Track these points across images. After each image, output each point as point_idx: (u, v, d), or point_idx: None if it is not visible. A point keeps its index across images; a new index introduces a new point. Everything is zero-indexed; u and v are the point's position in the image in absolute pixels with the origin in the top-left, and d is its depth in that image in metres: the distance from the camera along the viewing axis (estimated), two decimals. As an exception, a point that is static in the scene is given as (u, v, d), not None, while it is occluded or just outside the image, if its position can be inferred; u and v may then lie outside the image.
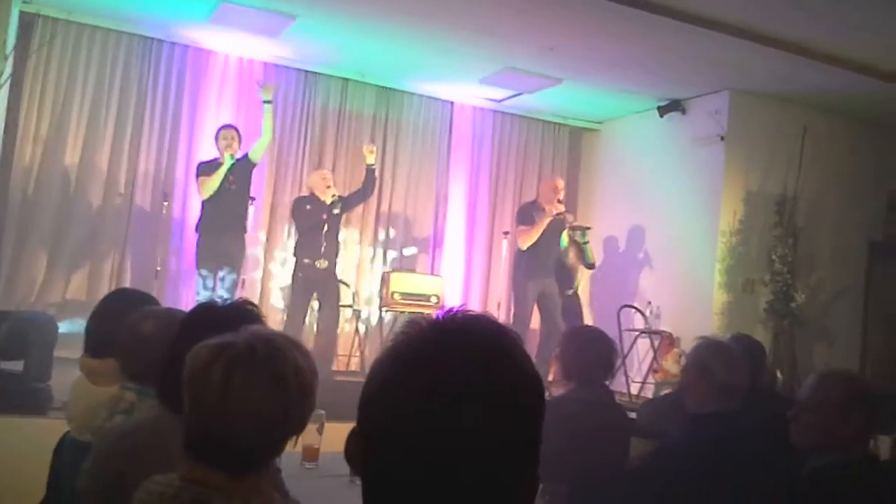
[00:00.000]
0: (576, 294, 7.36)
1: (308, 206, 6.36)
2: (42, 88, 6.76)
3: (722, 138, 7.26)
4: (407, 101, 8.19)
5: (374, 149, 6.79)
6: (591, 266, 7.38)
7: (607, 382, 3.10)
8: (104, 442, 1.71)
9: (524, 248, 6.52)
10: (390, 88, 8.06)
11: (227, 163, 6.10)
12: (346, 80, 7.89)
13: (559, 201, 6.59)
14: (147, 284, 6.90)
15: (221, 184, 6.09)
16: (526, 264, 6.54)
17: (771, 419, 2.66)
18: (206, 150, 6.77)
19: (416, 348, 0.83)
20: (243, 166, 6.27)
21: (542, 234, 6.55)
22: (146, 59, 7.13)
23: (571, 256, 7.14)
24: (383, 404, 0.83)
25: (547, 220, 6.51)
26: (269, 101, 6.37)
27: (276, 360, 1.31)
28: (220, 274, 6.13)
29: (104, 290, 6.82)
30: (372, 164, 6.61)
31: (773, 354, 7.14)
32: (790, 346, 7.20)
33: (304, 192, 6.84)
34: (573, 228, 7.21)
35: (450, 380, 0.80)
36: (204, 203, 6.24)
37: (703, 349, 2.70)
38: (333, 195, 6.34)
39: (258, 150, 6.39)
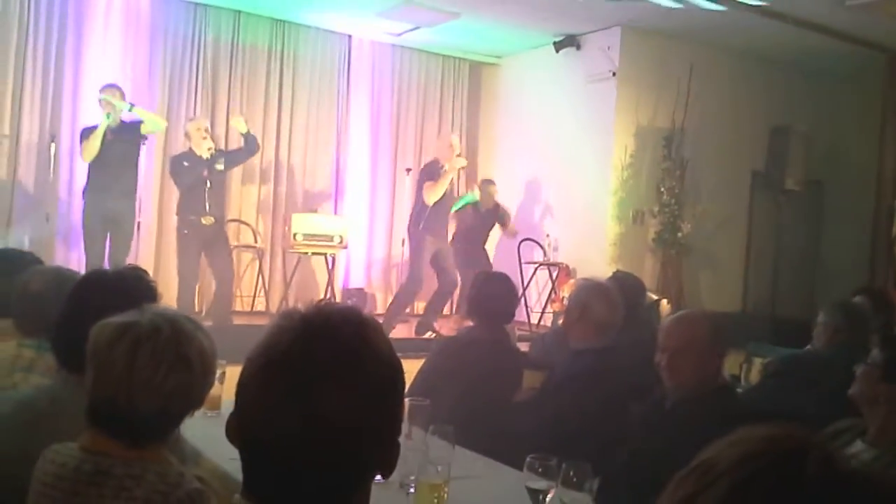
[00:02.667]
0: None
1: (186, 163, 6.14)
2: None
3: (613, 74, 7.47)
4: (303, 34, 8.04)
5: (242, 118, 6.50)
6: (509, 234, 7.57)
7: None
8: (5, 408, 1.74)
9: (430, 203, 6.59)
10: (285, 21, 7.89)
11: (105, 123, 5.78)
12: (238, 11, 7.67)
13: (458, 156, 6.66)
14: (37, 230, 6.73)
15: (104, 145, 5.80)
16: (427, 219, 6.59)
17: (647, 351, 2.89)
18: (92, 90, 6.52)
19: (284, 349, 0.94)
20: (131, 127, 5.98)
21: (446, 192, 6.63)
22: (25, -6, 6.75)
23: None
24: (254, 396, 0.95)
25: (449, 176, 6.58)
26: (132, 106, 5.98)
27: (182, 341, 1.39)
28: (108, 247, 5.89)
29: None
30: (246, 131, 6.35)
31: (661, 282, 7.56)
32: (677, 274, 7.61)
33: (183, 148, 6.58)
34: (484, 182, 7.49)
35: (314, 375, 0.92)
36: (90, 165, 5.95)
37: (583, 290, 2.89)
38: (210, 148, 6.11)
39: (150, 127, 6.12)
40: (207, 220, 6.09)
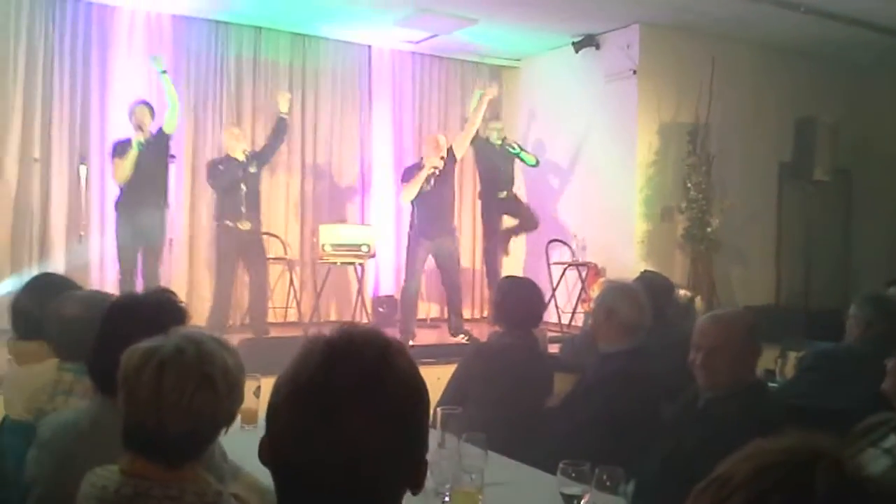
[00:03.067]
0: (511, 196, 7.48)
1: (221, 167, 6.28)
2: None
3: (634, 72, 7.44)
4: (323, 48, 8.10)
5: (289, 97, 6.71)
6: (535, 164, 7.59)
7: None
8: (47, 431, 1.79)
9: (406, 202, 6.65)
10: (305, 35, 7.96)
11: (136, 148, 5.93)
12: (259, 28, 7.76)
13: (441, 158, 6.57)
14: (72, 250, 6.86)
15: (135, 167, 5.94)
16: (417, 222, 6.60)
17: (677, 350, 2.88)
18: (119, 110, 6.64)
19: (309, 375, 0.97)
20: (159, 140, 6.13)
21: (429, 191, 6.51)
22: (51, 18, 6.88)
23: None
24: (283, 421, 0.98)
25: (425, 173, 6.51)
26: (164, 71, 6.22)
27: (205, 361, 1.42)
28: (141, 262, 6.04)
29: (28, 257, 6.74)
30: (284, 113, 6.53)
31: (692, 279, 7.51)
32: (708, 270, 7.55)
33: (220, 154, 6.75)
34: (504, 142, 7.39)
35: (337, 401, 0.95)
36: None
37: (609, 292, 2.89)
38: (244, 150, 6.27)
39: (170, 121, 6.23)
40: (244, 226, 6.22)
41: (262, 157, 6.55)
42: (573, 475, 1.81)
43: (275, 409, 0.99)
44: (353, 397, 0.95)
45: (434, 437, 2.21)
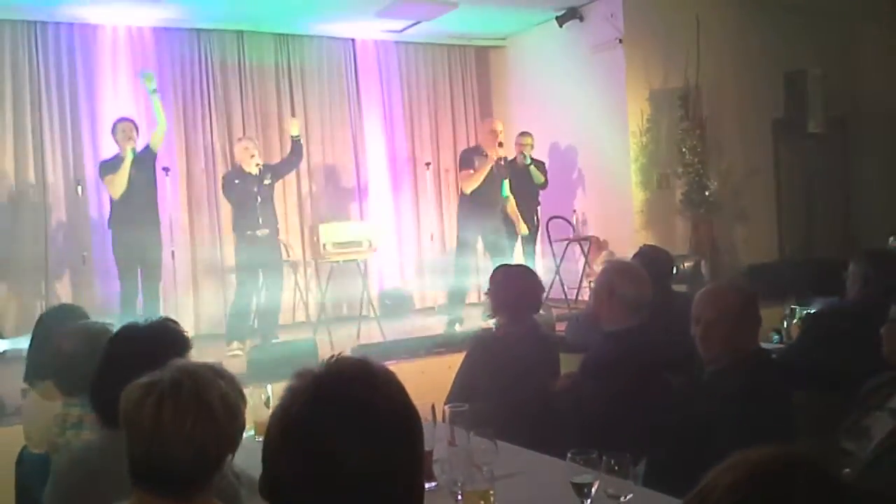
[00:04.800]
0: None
1: (237, 181, 6.33)
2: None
3: (620, 41, 7.41)
4: (307, 45, 8.10)
5: (299, 123, 6.81)
6: (542, 184, 7.30)
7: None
8: (61, 465, 1.83)
9: (468, 192, 6.52)
10: (288, 34, 7.95)
11: (129, 157, 5.94)
12: (241, 31, 7.75)
13: (500, 144, 6.51)
14: (76, 272, 6.90)
15: (129, 178, 5.97)
16: (469, 210, 6.53)
17: (683, 321, 2.89)
18: (109, 127, 6.65)
19: (297, 412, 0.99)
20: (145, 158, 6.13)
21: (485, 181, 6.46)
22: (34, 43, 6.92)
23: (511, 206, 7.01)
24: (277, 460, 1.00)
25: (489, 166, 6.45)
26: (154, 90, 6.21)
27: (201, 391, 1.45)
28: (140, 278, 6.08)
29: (33, 285, 6.77)
30: (297, 135, 6.59)
31: (694, 243, 7.51)
32: (709, 233, 7.55)
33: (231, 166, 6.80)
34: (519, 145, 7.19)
35: (327, 438, 0.97)
36: (112, 200, 6.11)
37: (608, 272, 2.90)
38: (258, 164, 6.32)
39: (157, 139, 6.25)
40: (262, 233, 6.29)
41: (277, 172, 6.59)
42: (581, 463, 1.82)
43: (269, 446, 1.01)
44: (344, 431, 0.97)
45: (444, 434, 2.23)
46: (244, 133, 7.55)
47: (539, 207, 7.35)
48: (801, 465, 0.72)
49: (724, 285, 2.55)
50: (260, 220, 6.27)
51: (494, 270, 3.36)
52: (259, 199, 6.28)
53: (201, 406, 1.43)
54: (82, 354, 2.05)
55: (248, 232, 6.29)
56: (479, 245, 6.86)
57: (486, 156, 6.49)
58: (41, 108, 6.93)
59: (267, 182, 6.38)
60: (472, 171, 6.49)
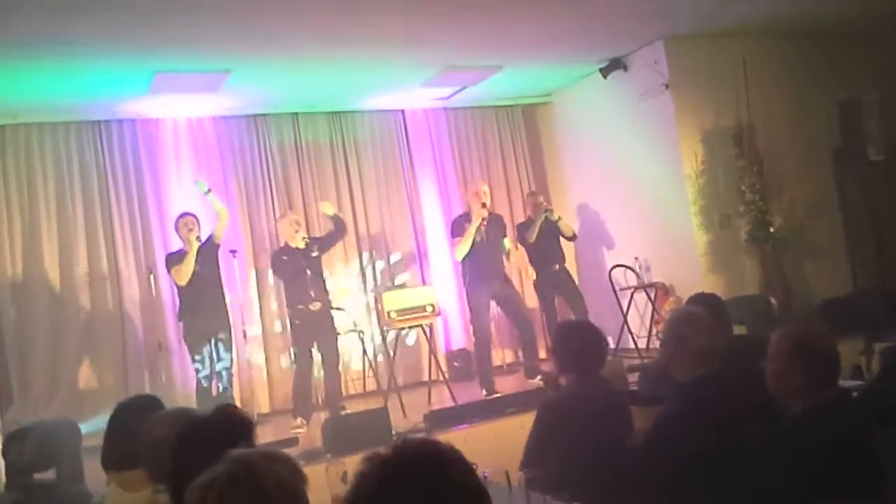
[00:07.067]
0: (563, 268, 7.49)
1: (284, 257, 6.47)
2: (6, 197, 6.88)
3: (666, 86, 7.42)
4: (359, 120, 8.33)
5: (331, 202, 7.03)
6: (572, 238, 7.52)
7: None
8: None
9: (459, 258, 6.70)
10: (340, 112, 8.20)
11: (195, 246, 6.18)
12: (295, 114, 8.03)
13: (483, 205, 6.60)
14: (153, 359, 7.08)
15: (195, 267, 6.18)
16: (470, 274, 6.67)
17: (750, 369, 2.83)
18: (175, 215, 6.91)
19: (368, 497, 1.02)
20: (209, 249, 6.35)
21: (480, 241, 6.60)
22: (99, 142, 7.25)
23: (516, 258, 7.19)
24: None
25: (474, 227, 6.57)
26: (208, 191, 6.45)
27: (258, 480, 1.48)
28: (214, 352, 6.25)
29: (112, 374, 6.97)
30: (333, 214, 6.77)
31: (764, 281, 7.34)
32: (778, 270, 7.37)
33: (279, 242, 6.94)
34: (538, 206, 7.39)
35: None
36: (180, 290, 6.33)
37: (676, 321, 2.86)
38: (304, 238, 6.45)
39: (219, 231, 6.49)
40: (315, 306, 6.38)
41: (323, 245, 6.72)
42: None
43: None
44: None
45: (520, 499, 2.22)
46: (304, 208, 7.76)
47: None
48: None
49: (790, 325, 2.49)
50: (312, 294, 6.38)
51: (557, 326, 3.35)
52: (309, 272, 6.40)
53: (259, 494, 1.46)
54: (170, 439, 2.10)
55: (300, 306, 6.39)
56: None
57: (470, 219, 6.61)
58: (110, 202, 7.23)
59: (314, 254, 6.50)
60: (459, 238, 6.65)
